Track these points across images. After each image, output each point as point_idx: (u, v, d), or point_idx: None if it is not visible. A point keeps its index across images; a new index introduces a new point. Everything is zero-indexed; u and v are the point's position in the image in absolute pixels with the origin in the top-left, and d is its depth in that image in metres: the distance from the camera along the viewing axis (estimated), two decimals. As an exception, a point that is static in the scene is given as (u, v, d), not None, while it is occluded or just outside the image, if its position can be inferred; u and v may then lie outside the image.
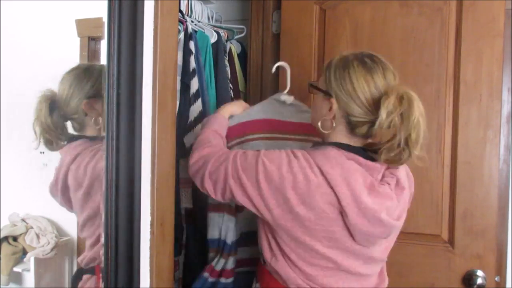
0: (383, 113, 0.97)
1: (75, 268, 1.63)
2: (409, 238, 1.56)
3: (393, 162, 1.01)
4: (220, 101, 1.64)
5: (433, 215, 1.54)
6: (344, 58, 1.07)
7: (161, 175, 1.14)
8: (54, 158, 1.60)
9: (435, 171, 1.53)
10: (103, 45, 1.12)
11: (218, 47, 1.69)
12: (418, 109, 0.97)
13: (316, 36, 1.69)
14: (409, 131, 0.96)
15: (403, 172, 1.09)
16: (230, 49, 1.80)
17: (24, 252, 1.57)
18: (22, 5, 1.55)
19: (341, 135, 1.07)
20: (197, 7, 1.71)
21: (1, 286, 1.52)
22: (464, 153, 1.50)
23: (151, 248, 1.13)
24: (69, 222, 1.63)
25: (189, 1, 1.65)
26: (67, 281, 1.64)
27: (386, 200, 1.01)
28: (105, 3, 1.08)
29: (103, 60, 1.10)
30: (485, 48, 1.48)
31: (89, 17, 1.52)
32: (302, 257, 1.04)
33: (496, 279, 1.50)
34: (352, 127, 1.05)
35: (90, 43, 1.56)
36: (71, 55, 1.58)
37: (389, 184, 1.03)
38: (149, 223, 1.12)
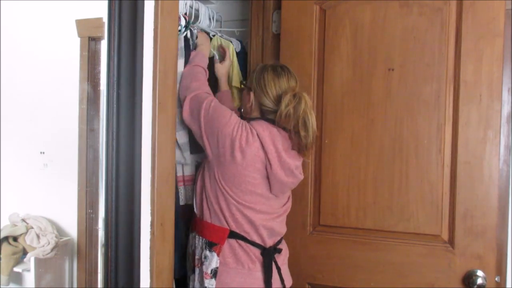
0: (282, 105, 1.37)
1: (75, 268, 1.64)
2: (409, 238, 1.57)
3: (299, 147, 1.41)
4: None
5: (433, 215, 1.54)
6: (264, 66, 1.48)
7: (161, 175, 1.14)
8: (54, 158, 1.60)
9: (435, 171, 1.54)
10: (103, 45, 1.12)
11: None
12: (305, 104, 1.37)
13: (316, 36, 1.69)
14: (298, 119, 1.36)
15: None
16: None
17: (25, 252, 1.57)
18: (22, 5, 1.55)
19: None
20: (202, 9, 1.72)
21: (2, 286, 1.52)
22: (464, 153, 1.51)
23: (151, 248, 1.13)
24: (69, 222, 1.63)
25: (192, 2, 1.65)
26: (67, 281, 1.64)
27: (296, 160, 1.44)
28: (105, 3, 1.08)
29: (103, 60, 1.10)
30: (485, 48, 1.48)
31: (89, 17, 1.53)
32: (231, 193, 1.40)
33: (496, 279, 1.50)
34: (263, 113, 1.45)
35: (90, 43, 1.56)
36: (71, 55, 1.58)
37: (295, 150, 1.44)
38: (149, 223, 1.13)
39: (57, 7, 1.53)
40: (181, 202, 1.57)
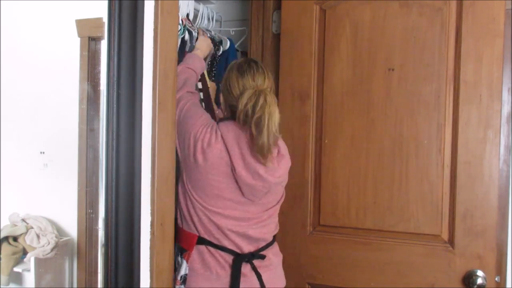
0: (240, 104, 1.28)
1: (75, 268, 1.64)
2: (409, 238, 1.57)
3: (257, 149, 1.30)
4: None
5: (433, 215, 1.54)
6: (232, 64, 1.40)
7: (161, 175, 1.14)
8: (54, 158, 1.61)
9: (435, 171, 1.54)
10: (103, 45, 1.12)
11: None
12: (263, 101, 1.27)
13: (316, 36, 1.69)
14: (255, 115, 1.26)
15: (282, 144, 1.43)
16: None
17: (25, 252, 1.57)
18: (22, 5, 1.55)
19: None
20: (201, 9, 1.72)
21: (2, 286, 1.52)
22: (464, 153, 1.51)
23: (151, 248, 1.13)
24: (69, 222, 1.63)
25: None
26: (67, 281, 1.64)
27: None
28: (105, 3, 1.08)
29: (103, 60, 1.10)
30: (485, 48, 1.48)
31: (89, 17, 1.53)
32: (200, 197, 1.35)
33: (496, 279, 1.50)
34: (234, 113, 1.35)
35: (90, 43, 1.56)
36: (71, 55, 1.59)
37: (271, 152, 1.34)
38: (149, 223, 1.13)
39: (57, 7, 1.53)
40: None
